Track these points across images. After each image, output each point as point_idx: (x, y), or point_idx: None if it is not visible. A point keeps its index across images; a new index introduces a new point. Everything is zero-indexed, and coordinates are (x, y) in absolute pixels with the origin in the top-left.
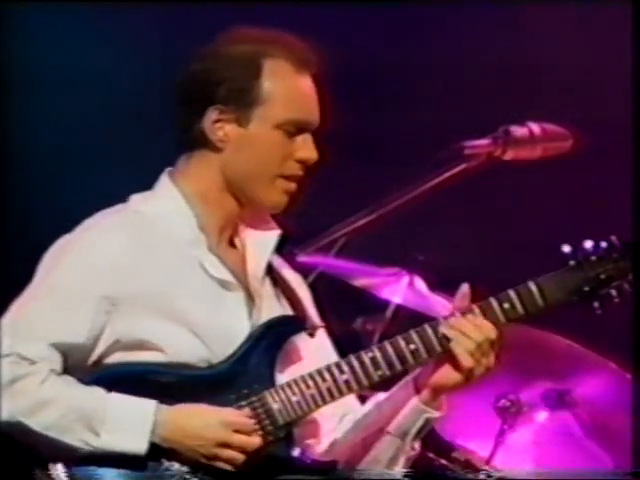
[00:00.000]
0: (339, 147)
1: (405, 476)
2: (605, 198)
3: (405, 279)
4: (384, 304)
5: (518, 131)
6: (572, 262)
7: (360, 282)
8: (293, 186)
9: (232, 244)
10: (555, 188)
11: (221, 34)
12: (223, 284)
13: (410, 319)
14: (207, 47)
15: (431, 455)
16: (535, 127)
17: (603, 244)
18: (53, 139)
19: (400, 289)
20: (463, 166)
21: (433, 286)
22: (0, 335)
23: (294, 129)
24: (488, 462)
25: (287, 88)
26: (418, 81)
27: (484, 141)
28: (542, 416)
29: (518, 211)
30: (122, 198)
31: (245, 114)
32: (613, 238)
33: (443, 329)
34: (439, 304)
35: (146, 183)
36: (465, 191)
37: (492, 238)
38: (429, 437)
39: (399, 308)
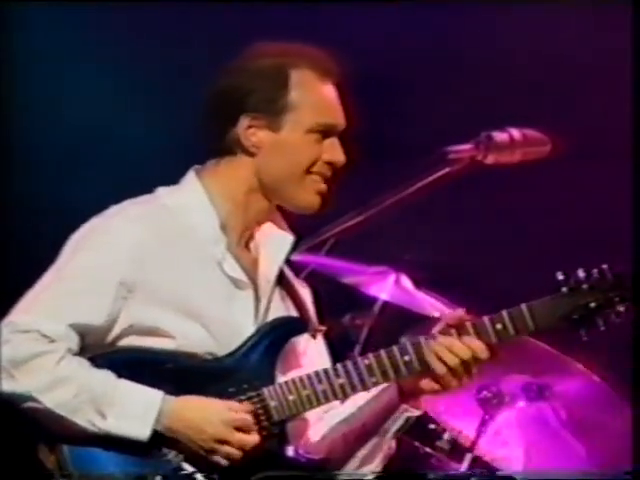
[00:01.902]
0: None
1: (382, 476)
2: (602, 199)
3: (392, 277)
4: (372, 300)
5: (499, 136)
6: (564, 289)
7: (349, 280)
8: (324, 187)
9: (246, 246)
10: (541, 189)
11: (246, 48)
12: (236, 283)
13: (396, 315)
14: (234, 62)
15: (417, 444)
16: (515, 132)
17: (595, 273)
18: (53, 139)
19: (387, 286)
20: (447, 170)
21: (418, 283)
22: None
23: (323, 133)
24: (472, 448)
25: (314, 95)
26: (416, 80)
27: (467, 146)
28: (522, 408)
29: (502, 212)
30: (122, 197)
31: (276, 120)
32: (605, 267)
33: (432, 345)
34: (424, 301)
35: (147, 182)
36: (449, 193)
37: (475, 238)
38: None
39: (386, 304)
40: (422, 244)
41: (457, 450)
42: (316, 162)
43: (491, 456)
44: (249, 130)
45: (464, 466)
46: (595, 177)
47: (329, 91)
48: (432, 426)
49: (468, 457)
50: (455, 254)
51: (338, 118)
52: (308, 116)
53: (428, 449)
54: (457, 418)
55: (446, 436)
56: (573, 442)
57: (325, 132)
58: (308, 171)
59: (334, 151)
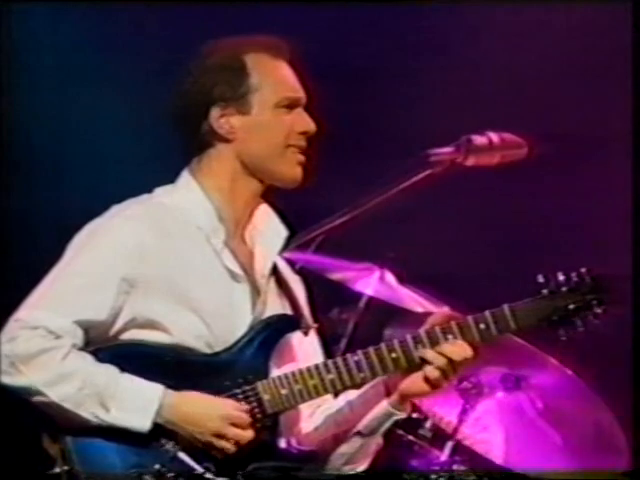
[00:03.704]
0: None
1: (371, 475)
2: (600, 200)
3: (376, 273)
4: (358, 296)
5: (478, 139)
6: (544, 291)
7: (336, 276)
8: (302, 158)
9: (242, 240)
10: (525, 190)
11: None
12: (233, 276)
13: (381, 309)
14: (193, 63)
15: (400, 432)
16: (494, 136)
17: (574, 277)
18: (53, 139)
19: (372, 282)
20: (428, 171)
21: (402, 280)
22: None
23: (289, 107)
24: (453, 436)
25: (272, 74)
26: (415, 80)
27: (448, 149)
28: (500, 397)
29: (487, 213)
30: (121, 197)
31: (244, 104)
32: (583, 271)
33: (423, 350)
34: (407, 296)
35: (146, 181)
36: (431, 194)
37: (458, 237)
38: None
39: (371, 299)
40: (405, 242)
41: (439, 438)
42: (290, 134)
43: (472, 440)
44: (221, 119)
45: (445, 453)
46: (594, 177)
47: (284, 68)
48: (415, 415)
49: (449, 445)
50: (437, 252)
51: (299, 91)
52: (272, 93)
53: (411, 437)
54: (439, 407)
55: (428, 424)
56: (549, 430)
57: (290, 105)
58: (286, 145)
59: (303, 121)
